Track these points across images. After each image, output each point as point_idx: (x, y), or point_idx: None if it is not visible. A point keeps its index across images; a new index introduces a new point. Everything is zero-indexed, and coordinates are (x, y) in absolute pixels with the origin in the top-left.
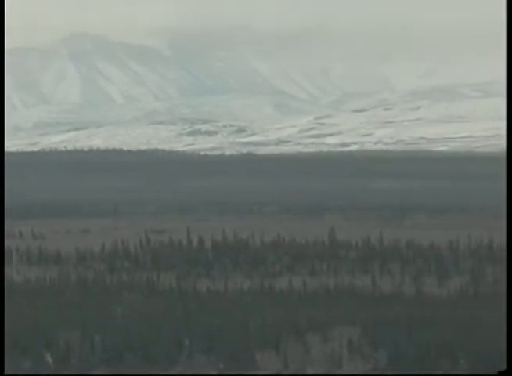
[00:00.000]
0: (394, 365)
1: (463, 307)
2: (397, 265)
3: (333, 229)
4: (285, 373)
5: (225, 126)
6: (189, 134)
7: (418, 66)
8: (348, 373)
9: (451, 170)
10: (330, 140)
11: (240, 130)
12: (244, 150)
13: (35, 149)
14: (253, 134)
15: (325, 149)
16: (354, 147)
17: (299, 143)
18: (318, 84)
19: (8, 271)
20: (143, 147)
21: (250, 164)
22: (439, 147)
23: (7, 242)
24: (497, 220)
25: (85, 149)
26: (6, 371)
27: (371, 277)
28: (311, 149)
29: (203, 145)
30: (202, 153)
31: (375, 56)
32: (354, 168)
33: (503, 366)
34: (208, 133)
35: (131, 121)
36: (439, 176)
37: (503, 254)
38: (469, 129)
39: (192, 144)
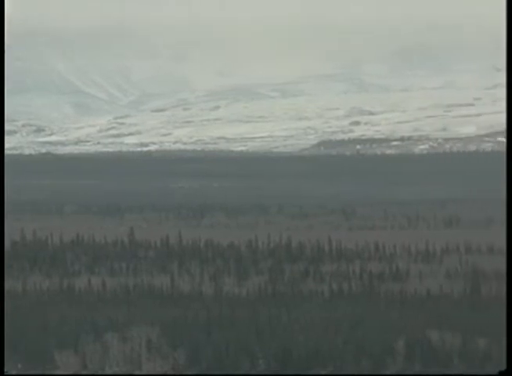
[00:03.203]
0: (193, 365)
1: (261, 306)
2: (196, 265)
3: (132, 229)
4: (84, 373)
5: (24, 125)
6: None
7: (216, 65)
8: (147, 373)
9: (249, 169)
10: (130, 140)
11: (39, 129)
12: (43, 150)
13: None
14: (52, 133)
15: (124, 148)
16: (153, 147)
17: (98, 143)
18: (117, 84)
19: None
20: None
21: (49, 164)
22: (238, 147)
23: None
24: (295, 219)
25: None
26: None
27: (170, 277)
28: (111, 148)
29: None
30: None
31: (174, 55)
32: (153, 167)
33: (302, 364)
34: (7, 132)
35: None
36: (236, 176)
37: (302, 253)
38: (268, 129)
39: None
